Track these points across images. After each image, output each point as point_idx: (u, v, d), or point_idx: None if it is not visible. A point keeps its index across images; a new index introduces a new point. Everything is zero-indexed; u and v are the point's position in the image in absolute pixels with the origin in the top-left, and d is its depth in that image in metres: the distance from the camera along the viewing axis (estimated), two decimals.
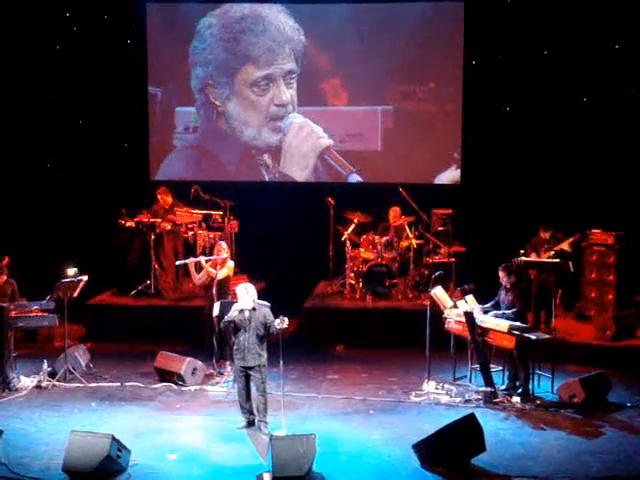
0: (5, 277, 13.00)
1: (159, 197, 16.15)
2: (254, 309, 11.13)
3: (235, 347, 11.23)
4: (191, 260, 13.86)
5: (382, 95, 17.81)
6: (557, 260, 14.32)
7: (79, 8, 17.49)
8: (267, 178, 18.13)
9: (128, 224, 15.96)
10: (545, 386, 12.80)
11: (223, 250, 13.55)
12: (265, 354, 11.18)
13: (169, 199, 16.12)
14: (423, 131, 17.79)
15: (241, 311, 11.10)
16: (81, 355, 13.64)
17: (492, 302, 12.87)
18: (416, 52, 17.58)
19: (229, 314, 11.18)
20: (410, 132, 17.82)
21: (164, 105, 18.27)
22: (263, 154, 18.12)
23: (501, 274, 12.70)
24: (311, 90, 17.95)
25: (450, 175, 17.73)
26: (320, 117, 17.97)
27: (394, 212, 16.42)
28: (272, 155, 18.11)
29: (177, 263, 15.08)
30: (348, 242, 16.31)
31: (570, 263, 14.41)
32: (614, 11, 16.17)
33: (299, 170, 18.03)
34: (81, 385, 12.97)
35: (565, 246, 14.76)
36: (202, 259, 13.84)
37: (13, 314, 12.79)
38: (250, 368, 11.12)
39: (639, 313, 14.96)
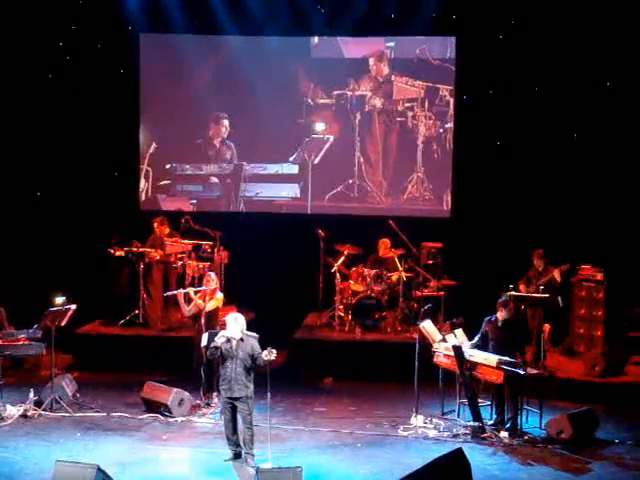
0: None
1: (155, 226, 16.11)
2: (242, 339, 11.10)
3: (222, 378, 11.19)
4: (180, 291, 13.80)
5: (380, 126, 17.93)
6: (546, 295, 14.35)
7: (72, 38, 17.53)
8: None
9: (117, 253, 15.93)
10: (533, 421, 12.74)
11: (212, 281, 13.50)
12: (252, 385, 11.13)
13: (166, 229, 16.09)
14: (421, 165, 17.89)
15: (228, 340, 11.07)
16: (68, 384, 13.55)
17: (478, 336, 12.86)
18: (411, 86, 17.71)
19: (215, 339, 11.15)
20: (408, 166, 17.94)
21: (163, 136, 18.31)
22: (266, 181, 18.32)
23: (499, 309, 12.66)
24: (308, 123, 18.10)
25: (444, 208, 17.82)
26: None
27: (384, 244, 16.42)
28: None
29: (166, 294, 15.07)
30: (338, 274, 16.29)
31: (559, 298, 14.42)
32: (606, 48, 16.29)
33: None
34: (67, 414, 12.89)
35: (556, 275, 14.79)
36: (191, 290, 13.77)
37: (0, 342, 12.73)
38: (236, 399, 11.06)
39: (628, 349, 14.97)
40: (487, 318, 12.84)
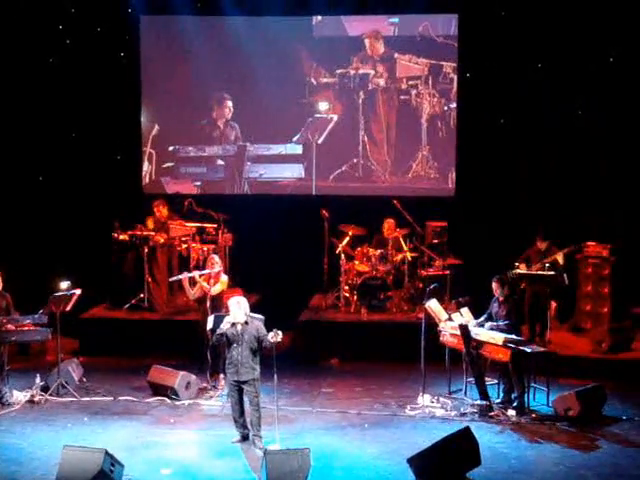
0: None
1: (155, 209, 16.09)
2: (246, 323, 11.08)
3: (228, 361, 11.17)
4: (185, 275, 13.75)
5: (384, 105, 17.87)
6: (552, 273, 14.30)
7: (72, 21, 17.44)
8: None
9: (121, 237, 15.91)
10: (540, 399, 12.75)
11: (216, 264, 13.46)
12: (258, 368, 11.12)
13: (165, 211, 16.07)
14: (426, 143, 17.83)
15: (233, 325, 11.05)
16: (74, 369, 13.57)
17: (485, 315, 12.85)
18: (414, 64, 17.65)
19: (221, 326, 11.13)
20: (413, 144, 17.87)
21: (165, 118, 18.24)
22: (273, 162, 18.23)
23: (494, 286, 12.70)
24: (311, 102, 18.01)
25: (449, 186, 17.75)
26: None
27: (388, 224, 16.35)
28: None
29: (171, 279, 15.04)
30: (342, 255, 16.24)
31: (565, 275, 14.39)
32: (609, 24, 16.18)
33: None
34: (74, 399, 12.92)
35: (559, 258, 14.76)
36: (196, 274, 13.72)
37: (6, 328, 12.71)
38: (244, 382, 11.05)
39: (635, 325, 14.94)
40: (495, 297, 12.83)
